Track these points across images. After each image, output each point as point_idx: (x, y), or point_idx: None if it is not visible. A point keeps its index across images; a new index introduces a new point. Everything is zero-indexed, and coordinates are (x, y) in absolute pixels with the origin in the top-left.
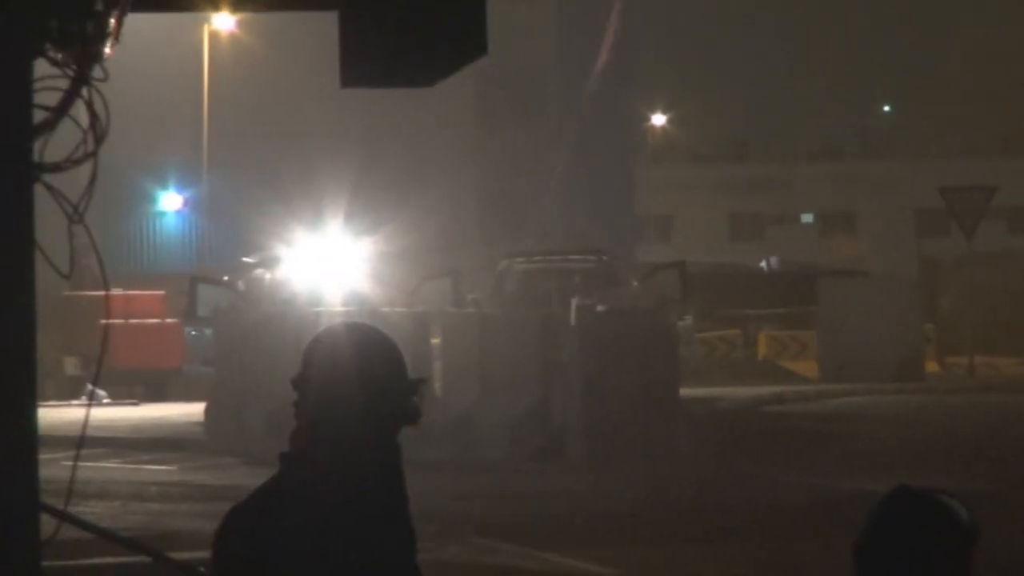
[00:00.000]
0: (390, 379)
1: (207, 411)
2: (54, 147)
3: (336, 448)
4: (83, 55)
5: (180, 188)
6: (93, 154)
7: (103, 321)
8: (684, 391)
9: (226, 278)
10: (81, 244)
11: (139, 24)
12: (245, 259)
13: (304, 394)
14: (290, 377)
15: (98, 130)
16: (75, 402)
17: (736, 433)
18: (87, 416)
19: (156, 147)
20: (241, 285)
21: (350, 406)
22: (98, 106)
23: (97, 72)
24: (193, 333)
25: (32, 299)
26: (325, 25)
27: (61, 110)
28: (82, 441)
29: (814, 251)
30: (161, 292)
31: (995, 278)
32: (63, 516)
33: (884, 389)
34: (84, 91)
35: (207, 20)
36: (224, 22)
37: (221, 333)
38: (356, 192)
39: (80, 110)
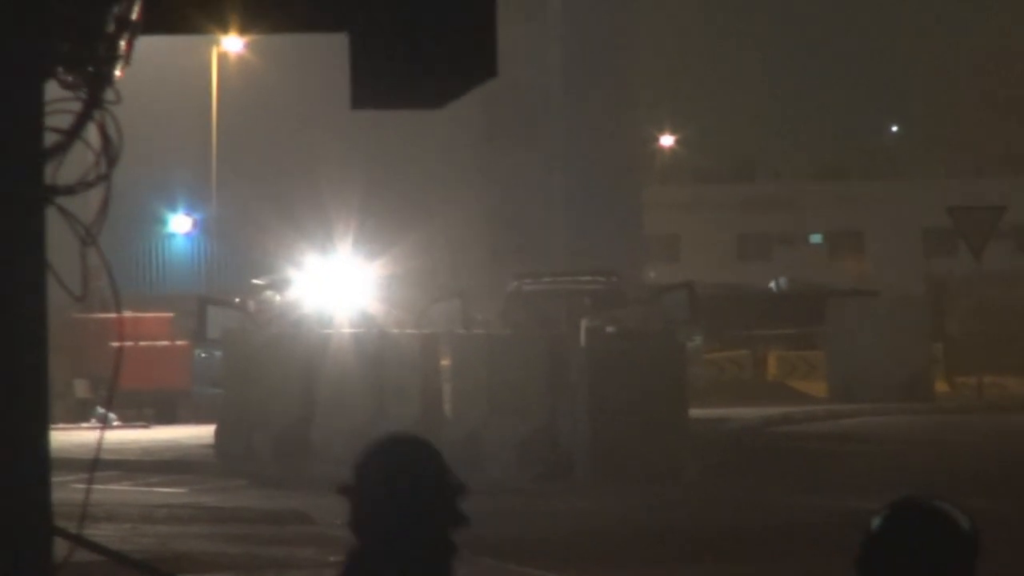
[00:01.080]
0: (440, 488)
1: (216, 433)
2: (64, 170)
3: (391, 558)
4: (95, 78)
5: (190, 210)
6: (106, 177)
7: (115, 344)
8: (692, 412)
9: (236, 300)
10: (91, 266)
11: (148, 46)
12: (255, 281)
13: (357, 505)
14: (338, 486)
15: (111, 153)
16: (85, 425)
17: (744, 454)
18: (100, 439)
19: (165, 169)
20: (251, 307)
21: (404, 518)
22: (110, 129)
23: (109, 95)
24: (203, 355)
25: (44, 322)
26: (335, 47)
27: (74, 133)
28: (95, 464)
29: (822, 271)
30: (170, 314)
31: (1003, 297)
32: (76, 539)
33: (893, 409)
34: (96, 113)
35: (216, 42)
36: (233, 44)
37: (230, 355)
38: (365, 213)
39: (92, 132)
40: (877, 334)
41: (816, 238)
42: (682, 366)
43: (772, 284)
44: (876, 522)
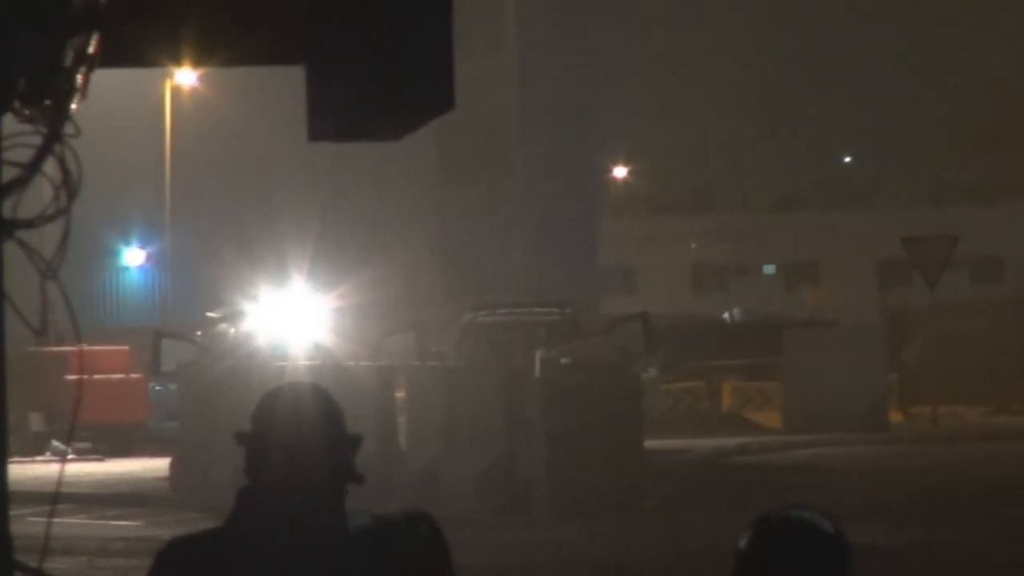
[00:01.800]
0: (331, 436)
1: (172, 466)
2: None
3: (286, 501)
4: (55, 111)
5: (143, 243)
6: (66, 210)
7: (75, 377)
8: (649, 443)
9: (197, 333)
10: (46, 300)
11: (101, 78)
12: (209, 313)
13: (255, 451)
14: (235, 434)
15: (70, 186)
16: (40, 458)
17: (701, 484)
18: (61, 472)
19: (119, 202)
20: (205, 339)
21: (305, 463)
22: (70, 162)
23: (69, 128)
24: (157, 388)
25: (2, 355)
26: (288, 79)
27: (34, 167)
28: (56, 497)
29: (777, 301)
30: (125, 347)
31: (958, 327)
32: (38, 574)
33: (849, 440)
34: (56, 147)
35: (169, 74)
36: (186, 76)
37: (185, 388)
38: (320, 246)
39: (50, 166)
40: (832, 365)
41: (770, 269)
42: (638, 397)
43: (726, 315)
44: (744, 542)
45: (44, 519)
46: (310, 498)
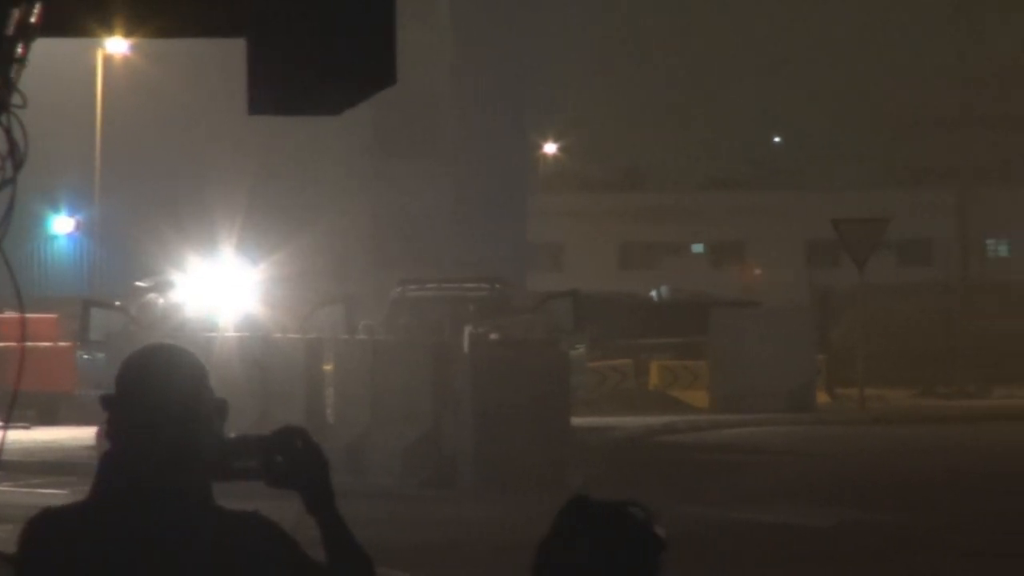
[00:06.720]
0: (196, 401)
1: (98, 435)
2: None
3: (143, 468)
4: (2, 81)
5: (72, 211)
6: (12, 180)
7: (17, 344)
8: (576, 420)
9: (119, 302)
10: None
11: (33, 46)
12: (138, 283)
13: (118, 414)
14: (99, 396)
15: (17, 157)
16: None
17: (627, 463)
18: (2, 440)
19: (48, 170)
20: (134, 309)
21: (161, 426)
22: (16, 133)
23: (16, 99)
24: (86, 357)
25: None
26: (222, 49)
27: None
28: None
29: (705, 280)
30: (53, 315)
31: (886, 310)
32: None
33: (775, 420)
34: (3, 118)
35: (101, 43)
36: (118, 45)
37: (113, 357)
38: (250, 217)
39: None
40: (760, 345)
41: (698, 247)
42: (566, 374)
43: (653, 293)
44: (551, 525)
45: None
46: (168, 464)
